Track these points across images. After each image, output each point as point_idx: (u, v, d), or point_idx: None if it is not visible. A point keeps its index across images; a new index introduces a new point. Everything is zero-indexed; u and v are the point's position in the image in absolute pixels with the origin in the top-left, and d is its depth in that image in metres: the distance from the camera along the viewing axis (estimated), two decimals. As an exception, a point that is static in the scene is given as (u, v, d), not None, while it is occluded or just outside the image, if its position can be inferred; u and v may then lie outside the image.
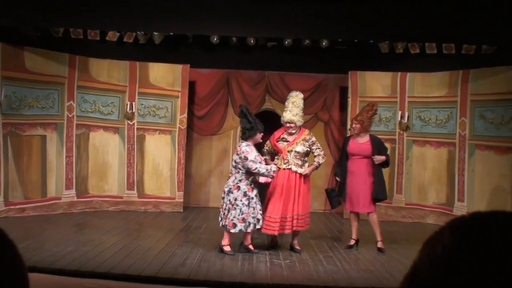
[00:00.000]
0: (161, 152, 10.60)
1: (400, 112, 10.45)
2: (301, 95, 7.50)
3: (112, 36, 10.38)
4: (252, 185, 6.99)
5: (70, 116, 9.98)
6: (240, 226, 6.91)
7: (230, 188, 6.99)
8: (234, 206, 6.92)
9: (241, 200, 6.92)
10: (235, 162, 7.02)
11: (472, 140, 9.61)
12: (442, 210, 10.02)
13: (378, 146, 7.47)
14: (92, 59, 10.22)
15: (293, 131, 7.32)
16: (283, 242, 7.57)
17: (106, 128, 10.41)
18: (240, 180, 6.97)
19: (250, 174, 6.93)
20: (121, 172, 10.48)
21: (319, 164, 7.35)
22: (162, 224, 9.10)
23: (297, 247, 7.36)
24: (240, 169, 6.96)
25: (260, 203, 7.04)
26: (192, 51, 10.91)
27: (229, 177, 7.16)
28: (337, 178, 7.63)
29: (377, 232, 7.46)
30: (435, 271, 0.80)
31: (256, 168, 6.82)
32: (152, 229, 8.59)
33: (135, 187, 10.52)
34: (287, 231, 7.25)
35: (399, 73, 10.46)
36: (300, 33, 9.08)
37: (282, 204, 7.13)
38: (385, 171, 10.09)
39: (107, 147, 10.42)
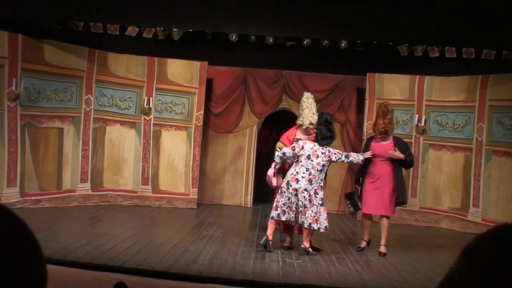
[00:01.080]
0: (177, 148, 10.63)
1: (417, 115, 10.37)
2: (311, 95, 7.52)
3: (132, 31, 10.43)
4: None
5: (87, 109, 10.04)
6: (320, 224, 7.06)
7: (315, 189, 7.06)
8: (316, 205, 7.02)
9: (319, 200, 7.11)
10: (322, 166, 7.07)
11: (489, 146, 9.52)
12: (457, 215, 9.94)
13: (402, 148, 7.34)
14: (111, 53, 10.27)
15: (312, 132, 7.37)
16: (296, 242, 7.55)
17: (122, 123, 10.45)
18: (321, 180, 7.12)
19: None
20: (136, 167, 10.52)
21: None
22: (176, 220, 9.13)
23: (311, 250, 7.40)
24: (322, 171, 7.12)
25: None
26: (210, 48, 10.92)
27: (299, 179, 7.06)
28: (357, 186, 7.58)
29: (384, 236, 7.39)
30: (473, 286, 0.77)
31: (348, 156, 7.23)
32: (165, 225, 8.62)
33: (150, 182, 10.56)
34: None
35: (418, 77, 10.39)
36: (319, 33, 9.05)
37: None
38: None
39: (123, 141, 10.47)
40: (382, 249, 7.38)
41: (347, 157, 7.23)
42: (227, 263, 6.41)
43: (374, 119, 7.94)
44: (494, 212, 9.34)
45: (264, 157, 11.47)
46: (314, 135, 7.34)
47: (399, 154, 7.22)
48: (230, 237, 7.83)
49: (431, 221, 10.22)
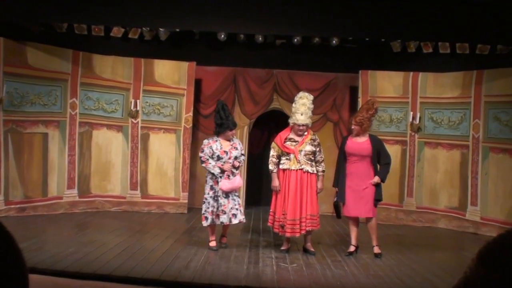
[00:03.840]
0: (166, 152, 10.61)
1: (411, 113, 10.41)
2: (311, 96, 7.52)
3: (117, 32, 10.40)
4: (218, 179, 7.34)
5: (72, 113, 10.00)
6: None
7: None
8: (203, 200, 7.45)
9: (208, 193, 7.38)
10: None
11: (486, 143, 9.57)
12: (454, 214, 9.97)
13: (378, 146, 7.35)
14: (96, 55, 10.24)
15: (302, 132, 7.36)
16: (290, 245, 7.55)
17: (109, 126, 10.42)
18: (208, 173, 7.47)
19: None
20: (124, 172, 10.49)
21: (324, 171, 7.49)
22: (166, 226, 9.10)
23: (312, 249, 7.42)
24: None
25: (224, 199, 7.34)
26: (198, 48, 10.91)
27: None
28: (334, 187, 7.60)
29: (374, 237, 7.40)
30: None
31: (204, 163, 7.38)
32: (155, 231, 8.59)
33: (139, 187, 10.53)
34: (303, 232, 7.29)
35: (411, 73, 10.43)
36: (309, 30, 9.05)
37: (299, 205, 7.23)
38: (396, 174, 10.10)
39: (110, 146, 10.44)
40: (376, 249, 7.39)
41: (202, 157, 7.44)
42: (220, 269, 6.40)
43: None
44: (493, 210, 9.38)
45: (256, 159, 11.48)
46: (308, 136, 7.37)
47: (377, 180, 7.25)
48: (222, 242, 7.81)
49: (428, 221, 10.26)
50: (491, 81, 9.53)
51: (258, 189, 11.59)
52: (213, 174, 7.32)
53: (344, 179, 7.37)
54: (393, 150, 10.20)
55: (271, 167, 7.38)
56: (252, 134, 11.56)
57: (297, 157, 7.27)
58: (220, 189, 7.25)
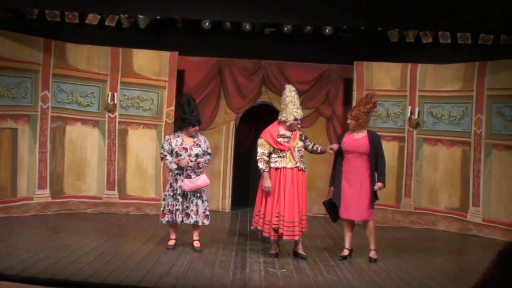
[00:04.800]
0: (146, 149, 10.58)
1: (410, 107, 10.46)
2: (293, 88, 7.57)
3: (93, 19, 10.35)
4: (176, 177, 7.48)
5: (44, 107, 9.95)
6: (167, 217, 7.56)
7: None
8: (163, 197, 7.70)
9: (167, 191, 7.57)
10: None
11: (489, 139, 9.63)
12: (455, 215, 10.04)
13: (375, 143, 7.37)
14: (69, 44, 10.19)
15: (298, 126, 7.45)
16: (280, 249, 7.56)
17: (84, 121, 10.38)
18: (169, 171, 7.71)
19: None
20: (101, 170, 10.45)
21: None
22: (146, 228, 9.09)
23: (303, 252, 7.43)
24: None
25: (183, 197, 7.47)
26: (181, 37, 10.89)
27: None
28: (331, 186, 7.61)
29: (372, 240, 7.43)
30: None
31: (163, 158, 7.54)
32: (134, 234, 8.57)
33: (116, 187, 10.50)
34: (299, 234, 7.31)
35: (410, 65, 10.47)
36: (301, 18, 9.06)
37: (296, 206, 7.24)
38: (393, 172, 10.15)
39: (85, 142, 10.40)
40: (372, 254, 7.42)
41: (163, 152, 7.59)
42: (203, 274, 6.40)
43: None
44: (495, 212, 9.45)
45: (242, 156, 11.49)
46: (297, 131, 7.40)
47: (380, 186, 7.30)
48: (206, 246, 7.82)
49: (427, 223, 10.32)
50: (495, 74, 9.59)
51: (245, 189, 11.60)
52: (172, 171, 7.50)
53: (340, 178, 7.38)
54: (390, 147, 10.27)
55: (262, 165, 7.30)
56: (239, 130, 11.56)
57: (293, 154, 7.29)
58: (182, 189, 7.37)
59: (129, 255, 7.09)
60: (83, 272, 6.14)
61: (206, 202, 7.60)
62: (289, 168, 7.27)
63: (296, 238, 7.31)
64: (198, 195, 7.49)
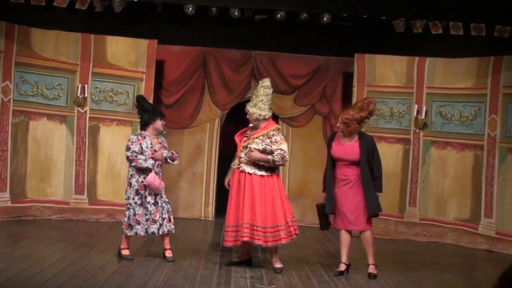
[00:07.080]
0: (119, 148, 10.53)
1: (416, 106, 10.49)
2: (267, 81, 7.54)
3: (61, 1, 10.32)
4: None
5: (5, 100, 9.91)
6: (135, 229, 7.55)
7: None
8: (127, 206, 7.59)
9: (133, 199, 7.52)
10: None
11: (504, 143, 9.68)
12: (465, 227, 10.07)
13: (367, 149, 7.24)
14: (35, 29, 10.16)
15: (251, 124, 7.44)
16: (268, 261, 7.56)
17: (50, 116, 10.35)
18: (131, 176, 7.57)
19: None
20: (68, 172, 10.42)
21: (273, 161, 7.21)
22: (118, 238, 9.05)
23: (277, 265, 7.36)
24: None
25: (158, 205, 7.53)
26: (161, 23, 10.89)
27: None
28: (324, 192, 7.60)
29: (370, 253, 7.41)
30: None
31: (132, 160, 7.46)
32: (105, 244, 8.55)
33: (85, 191, 10.48)
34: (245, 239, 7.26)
35: (417, 58, 10.51)
36: (296, 4, 9.07)
37: (233, 210, 7.32)
38: (396, 178, 10.18)
39: (51, 140, 10.37)
40: (372, 269, 7.40)
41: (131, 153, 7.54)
42: (182, 291, 6.39)
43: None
44: (510, 224, 9.48)
45: (228, 158, 11.46)
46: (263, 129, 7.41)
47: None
48: (186, 259, 7.81)
49: (434, 235, 10.35)
50: (511, 70, 9.64)
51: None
52: (139, 176, 7.48)
53: (332, 186, 7.36)
54: (393, 150, 10.30)
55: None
56: (225, 129, 11.56)
57: (238, 152, 7.44)
58: (147, 182, 7.39)
59: (98, 268, 7.07)
60: (47, 286, 6.12)
61: (169, 204, 7.69)
62: (236, 168, 7.44)
63: (230, 244, 7.39)
64: (164, 199, 7.57)
